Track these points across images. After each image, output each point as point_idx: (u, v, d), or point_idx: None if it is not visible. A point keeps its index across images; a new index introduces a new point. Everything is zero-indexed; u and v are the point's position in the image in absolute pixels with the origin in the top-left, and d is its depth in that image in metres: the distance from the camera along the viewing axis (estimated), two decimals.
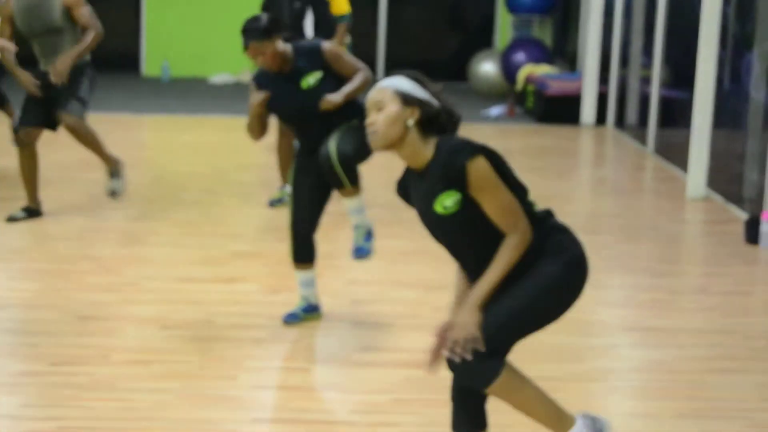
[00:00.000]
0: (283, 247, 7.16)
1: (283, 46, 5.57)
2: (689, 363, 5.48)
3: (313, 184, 5.71)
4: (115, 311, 6.02)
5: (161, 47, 16.71)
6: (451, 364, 3.70)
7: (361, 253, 5.89)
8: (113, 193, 8.01)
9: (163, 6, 16.70)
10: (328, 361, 5.47)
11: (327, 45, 5.62)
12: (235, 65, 16.33)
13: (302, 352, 5.56)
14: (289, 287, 6.40)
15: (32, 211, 7.92)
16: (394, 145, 3.69)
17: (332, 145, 5.51)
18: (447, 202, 3.62)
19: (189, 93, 15.00)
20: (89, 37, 7.67)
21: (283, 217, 8.17)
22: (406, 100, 3.68)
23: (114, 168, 8.01)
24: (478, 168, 3.56)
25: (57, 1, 7.66)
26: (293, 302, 6.07)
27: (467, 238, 3.70)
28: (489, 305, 3.66)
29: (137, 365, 5.25)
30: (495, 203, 3.60)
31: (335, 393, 5.06)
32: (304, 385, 5.15)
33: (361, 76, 5.59)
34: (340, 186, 5.66)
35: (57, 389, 4.94)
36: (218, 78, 16.20)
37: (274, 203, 8.58)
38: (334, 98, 5.52)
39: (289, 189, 8.48)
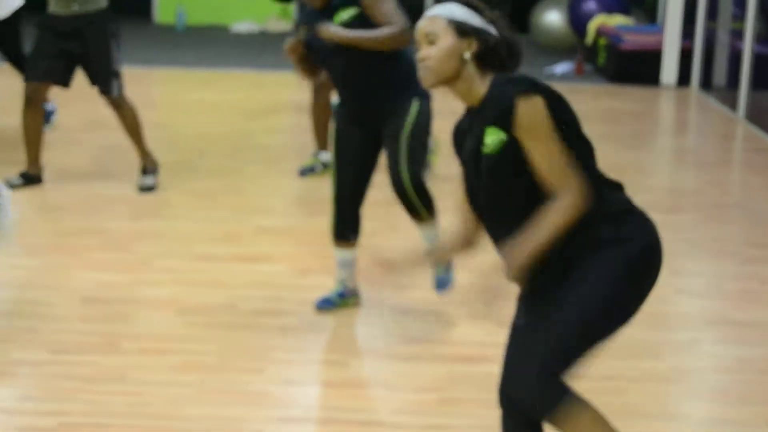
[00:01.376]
0: (316, 222, 7.24)
1: None
2: None
3: (359, 149, 5.77)
4: (125, 293, 6.11)
5: None
6: (504, 387, 3.68)
7: (443, 285, 5.92)
8: (144, 188, 8.10)
9: None
10: (368, 354, 5.54)
11: None
12: (260, 12, 16.40)
13: (338, 343, 5.63)
14: (322, 268, 6.47)
15: (31, 177, 8.03)
16: (449, 81, 3.67)
17: (404, 170, 5.60)
18: (488, 139, 3.58)
19: (208, 43, 15.08)
20: None
21: (315, 188, 8.25)
22: (462, 30, 3.66)
23: (150, 165, 8.14)
24: (531, 108, 3.51)
25: None
26: (327, 286, 6.13)
27: (506, 198, 3.63)
28: (543, 311, 3.61)
29: (150, 355, 5.34)
30: (543, 154, 3.52)
31: (376, 390, 5.13)
32: (340, 381, 5.22)
33: (389, 29, 5.56)
34: (415, 214, 5.76)
35: (59, 380, 5.03)
36: (241, 26, 16.28)
37: (306, 172, 8.64)
38: (333, 30, 5.51)
39: (324, 156, 8.61)
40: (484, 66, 3.69)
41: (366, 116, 5.74)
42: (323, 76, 8.49)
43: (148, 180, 8.09)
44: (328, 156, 8.58)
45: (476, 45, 3.66)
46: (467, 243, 3.87)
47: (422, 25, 3.71)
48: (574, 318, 3.56)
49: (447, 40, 3.65)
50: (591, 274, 3.58)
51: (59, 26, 7.84)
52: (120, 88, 7.94)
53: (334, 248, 5.95)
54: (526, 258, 3.55)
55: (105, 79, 7.90)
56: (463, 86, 3.68)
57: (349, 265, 5.95)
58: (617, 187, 3.73)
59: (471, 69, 3.67)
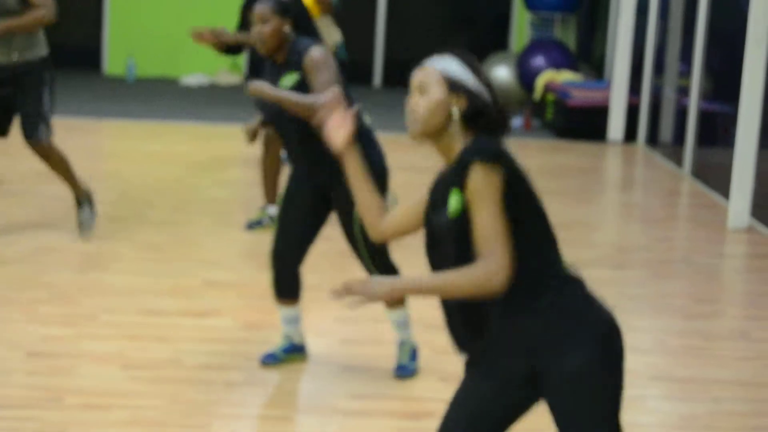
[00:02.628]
0: (263, 276, 7.22)
1: (287, 31, 5.70)
2: (726, 419, 5.54)
3: (305, 210, 5.79)
4: (70, 347, 6.08)
5: (126, 42, 16.81)
6: None
7: (404, 372, 5.92)
8: (83, 227, 8.06)
9: None
10: (314, 409, 5.53)
11: (315, 51, 5.64)
12: (210, 65, 16.42)
13: (283, 398, 5.62)
14: (269, 323, 6.47)
15: None
16: (433, 134, 3.67)
17: (361, 248, 5.73)
18: (452, 200, 3.57)
19: (157, 95, 15.09)
20: (33, 14, 7.70)
21: (264, 241, 8.24)
22: (454, 86, 3.67)
23: (83, 197, 8.10)
24: (484, 174, 3.52)
25: None
26: (273, 341, 6.13)
27: (454, 259, 3.61)
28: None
29: (94, 410, 5.31)
30: (481, 219, 3.51)
31: None
32: None
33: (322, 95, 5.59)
34: (368, 269, 5.82)
35: None
36: (191, 79, 16.30)
37: (253, 225, 8.64)
38: (263, 87, 5.53)
39: (271, 210, 8.61)
40: (469, 126, 3.68)
41: (316, 178, 5.76)
42: (269, 136, 8.54)
43: (85, 213, 8.06)
44: (275, 210, 8.59)
45: (465, 103, 3.66)
46: (378, 210, 3.85)
47: (416, 74, 3.71)
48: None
49: (438, 92, 3.65)
50: (575, 384, 3.57)
51: None
52: (48, 134, 7.87)
53: (277, 306, 5.95)
54: (400, 288, 3.53)
55: (32, 123, 7.82)
56: (444, 142, 3.67)
57: (294, 321, 5.95)
58: (574, 281, 3.65)
59: (456, 127, 3.66)
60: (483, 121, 3.69)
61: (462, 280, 3.49)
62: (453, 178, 3.58)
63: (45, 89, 7.90)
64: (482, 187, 3.52)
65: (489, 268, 3.49)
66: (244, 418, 5.35)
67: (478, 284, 3.49)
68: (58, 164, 7.99)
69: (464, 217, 3.56)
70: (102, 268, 7.52)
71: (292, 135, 5.72)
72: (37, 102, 7.87)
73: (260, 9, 5.69)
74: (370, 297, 3.53)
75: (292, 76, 5.65)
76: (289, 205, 5.82)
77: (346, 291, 3.53)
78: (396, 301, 5.83)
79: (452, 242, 3.61)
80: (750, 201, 9.41)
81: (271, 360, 5.93)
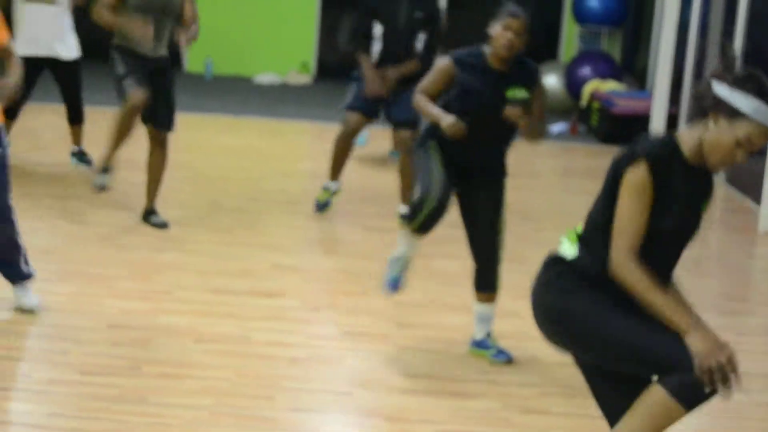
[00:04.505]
0: (326, 261, 7.25)
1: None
2: (755, 410, 5.49)
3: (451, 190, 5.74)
4: (148, 321, 6.10)
5: (205, 44, 16.82)
6: None
7: (394, 285, 5.95)
8: (102, 188, 8.08)
9: (208, 1, 16.87)
10: (371, 385, 5.52)
11: (539, 76, 5.79)
12: (281, 65, 16.45)
13: (343, 375, 5.62)
14: (330, 305, 6.46)
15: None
16: None
17: (500, 242, 5.79)
18: None
19: (232, 92, 15.13)
20: (196, 27, 7.88)
21: (326, 229, 8.26)
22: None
23: (110, 165, 8.12)
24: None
25: None
26: (335, 320, 6.14)
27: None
28: None
29: (169, 379, 5.34)
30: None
31: (377, 420, 5.11)
32: (344, 409, 5.21)
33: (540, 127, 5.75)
34: (491, 285, 5.85)
35: (85, 400, 5.03)
36: (264, 78, 16.33)
37: (322, 208, 8.61)
38: (527, 122, 5.59)
39: (333, 186, 8.55)
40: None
41: (471, 170, 5.77)
42: (359, 118, 8.43)
43: (104, 180, 8.09)
44: (334, 185, 8.60)
45: None
46: None
47: None
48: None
49: None
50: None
51: (151, 65, 7.87)
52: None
53: (411, 237, 5.84)
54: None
55: (172, 115, 8.09)
56: None
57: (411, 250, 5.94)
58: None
59: None
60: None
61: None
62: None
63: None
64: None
65: (614, 262, 3.77)
66: (306, 392, 5.35)
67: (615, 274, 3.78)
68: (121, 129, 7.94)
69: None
70: (178, 249, 7.54)
71: (485, 136, 5.70)
72: (173, 95, 7.94)
73: (522, 22, 5.67)
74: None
75: (521, 90, 5.65)
76: (446, 166, 5.70)
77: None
78: (490, 297, 5.86)
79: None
80: None
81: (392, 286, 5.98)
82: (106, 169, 7.99)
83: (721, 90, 3.63)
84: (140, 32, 7.53)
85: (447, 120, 5.49)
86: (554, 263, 3.89)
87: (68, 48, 9.24)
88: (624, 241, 3.66)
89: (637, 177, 3.65)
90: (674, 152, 3.71)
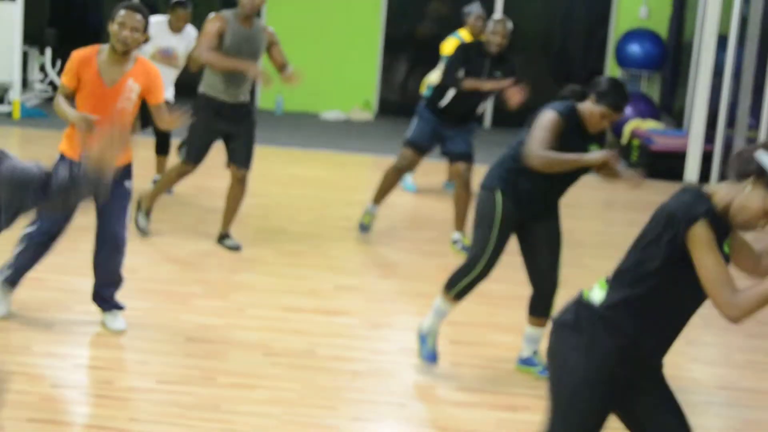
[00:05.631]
0: (385, 283, 7.24)
1: None
2: None
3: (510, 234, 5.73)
4: (221, 335, 6.14)
5: (276, 83, 16.95)
6: None
7: (432, 358, 5.89)
8: (144, 232, 8.18)
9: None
10: (425, 398, 5.51)
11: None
12: (346, 103, 16.51)
13: (399, 388, 5.61)
14: (388, 323, 6.46)
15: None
16: None
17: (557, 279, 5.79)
18: None
19: (300, 127, 15.21)
20: (291, 68, 8.03)
21: (384, 254, 8.26)
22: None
23: (150, 208, 8.24)
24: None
25: (265, 36, 7.92)
26: (392, 337, 6.13)
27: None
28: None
29: (241, 389, 5.36)
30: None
31: (429, 429, 5.10)
32: (399, 420, 5.20)
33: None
34: (547, 312, 5.82)
35: (163, 406, 5.06)
36: (329, 114, 16.40)
37: (365, 228, 8.66)
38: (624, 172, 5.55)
39: (373, 209, 8.60)
40: None
41: (534, 212, 5.71)
42: (414, 156, 8.45)
43: (145, 222, 8.19)
44: (374, 208, 8.68)
45: None
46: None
47: None
48: None
49: None
50: None
51: (230, 112, 7.97)
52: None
53: (449, 304, 5.80)
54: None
55: (250, 156, 8.01)
56: None
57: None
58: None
59: None
60: None
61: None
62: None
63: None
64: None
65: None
66: (366, 403, 5.35)
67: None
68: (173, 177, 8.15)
69: None
70: (250, 269, 7.58)
71: (568, 178, 5.62)
72: (253, 138, 8.02)
73: (620, 116, 5.52)
74: None
75: (596, 146, 5.57)
76: (504, 228, 5.67)
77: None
78: (543, 322, 5.84)
79: None
80: None
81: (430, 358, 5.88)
82: (148, 212, 8.14)
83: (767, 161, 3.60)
84: (253, 72, 7.66)
85: (595, 155, 5.31)
86: (581, 307, 3.81)
87: (170, 91, 9.41)
88: (725, 289, 3.66)
89: (705, 234, 3.62)
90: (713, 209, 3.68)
